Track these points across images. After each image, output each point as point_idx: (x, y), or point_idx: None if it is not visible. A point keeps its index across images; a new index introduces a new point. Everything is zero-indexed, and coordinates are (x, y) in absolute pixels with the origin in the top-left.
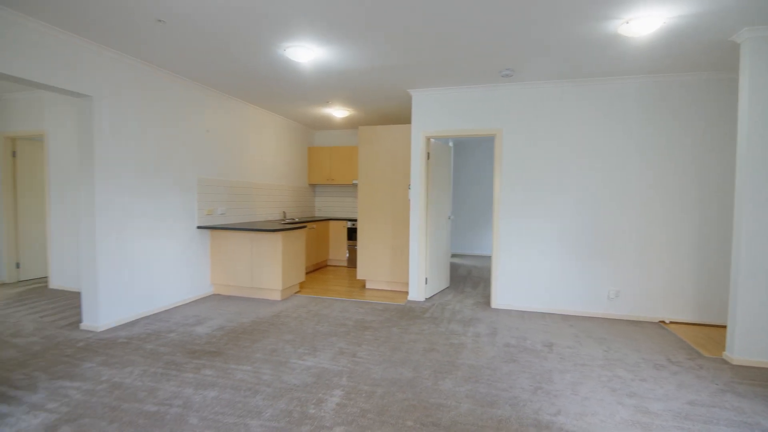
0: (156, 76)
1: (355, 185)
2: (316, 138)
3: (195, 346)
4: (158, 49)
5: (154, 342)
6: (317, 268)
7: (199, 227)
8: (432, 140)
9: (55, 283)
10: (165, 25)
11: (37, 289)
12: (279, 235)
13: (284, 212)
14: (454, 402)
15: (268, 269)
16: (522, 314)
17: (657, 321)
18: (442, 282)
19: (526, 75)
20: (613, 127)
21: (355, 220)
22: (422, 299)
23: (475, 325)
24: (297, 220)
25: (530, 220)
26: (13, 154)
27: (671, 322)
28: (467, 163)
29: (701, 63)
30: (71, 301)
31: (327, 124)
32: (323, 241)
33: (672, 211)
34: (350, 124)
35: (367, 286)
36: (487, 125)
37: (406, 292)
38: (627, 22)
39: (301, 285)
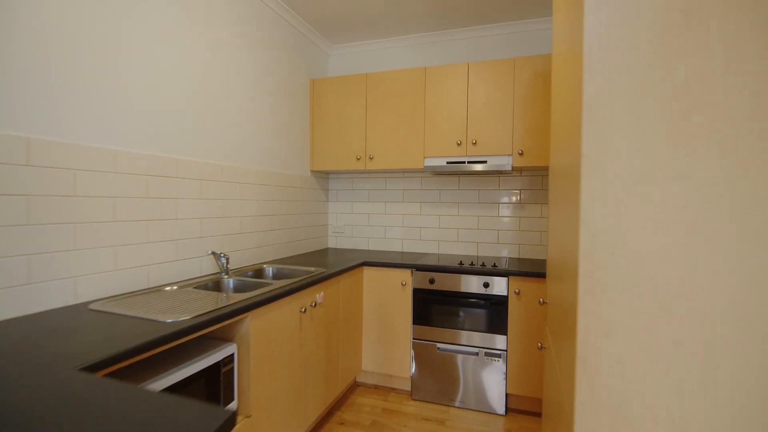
0: None
1: (425, 173)
2: (333, 60)
3: None
4: None
5: None
6: (331, 409)
7: None
8: None
9: None
10: None
11: None
12: None
13: (219, 254)
14: None
15: None
16: None
17: None
18: None
19: None
20: None
21: (432, 270)
22: None
23: None
24: (270, 278)
25: None
26: None
27: None
28: None
29: None
30: None
31: (365, 9)
32: (348, 323)
33: None
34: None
35: None
36: None
37: None
38: None
39: None
